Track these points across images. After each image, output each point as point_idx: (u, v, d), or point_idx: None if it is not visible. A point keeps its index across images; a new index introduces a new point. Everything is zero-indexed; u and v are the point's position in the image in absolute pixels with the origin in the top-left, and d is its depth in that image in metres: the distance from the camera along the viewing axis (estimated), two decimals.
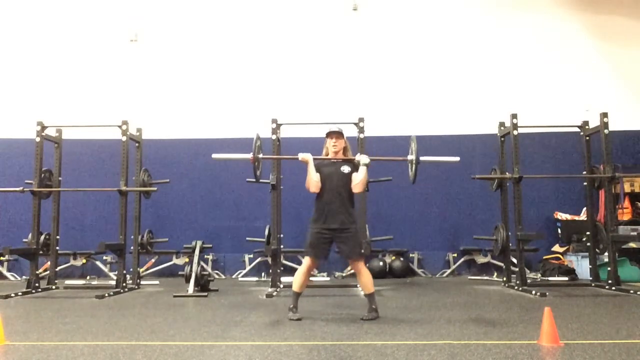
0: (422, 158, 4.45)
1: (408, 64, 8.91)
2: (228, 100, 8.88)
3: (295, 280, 4.42)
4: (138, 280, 6.91)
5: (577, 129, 6.98)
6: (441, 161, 4.90)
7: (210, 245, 7.52)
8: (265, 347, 3.32)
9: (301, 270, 4.44)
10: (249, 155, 4.46)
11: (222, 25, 9.07)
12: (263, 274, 8.04)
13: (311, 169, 4.38)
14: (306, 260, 4.43)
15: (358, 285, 6.33)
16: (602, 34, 8.92)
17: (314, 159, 4.45)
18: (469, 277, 8.01)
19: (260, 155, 4.62)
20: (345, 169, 4.41)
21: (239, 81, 8.95)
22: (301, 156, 4.45)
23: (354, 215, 4.43)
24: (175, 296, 5.88)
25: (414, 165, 4.46)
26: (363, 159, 4.35)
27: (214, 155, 4.75)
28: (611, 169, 6.43)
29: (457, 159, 4.74)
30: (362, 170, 4.34)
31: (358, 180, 4.34)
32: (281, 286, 6.37)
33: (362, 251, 4.57)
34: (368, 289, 4.37)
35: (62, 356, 3.12)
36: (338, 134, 4.45)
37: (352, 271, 7.53)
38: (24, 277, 7.88)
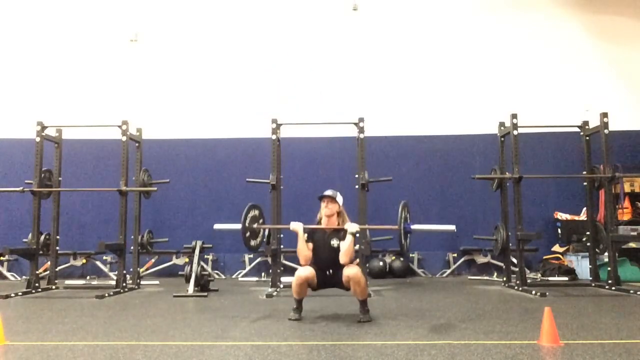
0: (413, 227, 4.23)
1: (408, 64, 8.91)
2: (228, 100, 8.88)
3: (292, 289, 4.35)
4: (138, 280, 6.91)
5: (577, 129, 6.98)
6: (435, 230, 4.58)
7: (211, 245, 7.51)
8: (265, 347, 3.32)
9: (294, 280, 4.31)
10: (238, 226, 4.39)
11: (222, 25, 9.07)
12: (263, 274, 8.04)
13: (300, 241, 4.33)
14: (300, 270, 4.33)
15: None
16: (602, 34, 8.92)
17: (306, 228, 4.38)
18: (469, 277, 8.00)
19: (255, 225, 4.49)
20: (335, 242, 4.32)
21: (239, 81, 8.95)
22: (292, 226, 4.41)
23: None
24: (175, 296, 5.88)
25: (403, 236, 4.18)
26: (351, 227, 4.25)
27: (216, 227, 4.85)
28: (611, 169, 6.43)
29: (453, 228, 4.46)
30: (349, 239, 4.22)
31: (343, 250, 4.22)
32: (281, 286, 6.37)
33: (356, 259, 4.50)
34: (363, 296, 4.28)
35: (62, 356, 3.12)
36: (330, 198, 4.38)
37: None
38: (24, 277, 7.89)
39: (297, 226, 4.37)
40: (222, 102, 8.89)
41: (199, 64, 9.01)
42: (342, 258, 4.24)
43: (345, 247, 4.23)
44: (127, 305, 5.34)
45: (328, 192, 4.42)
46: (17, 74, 9.04)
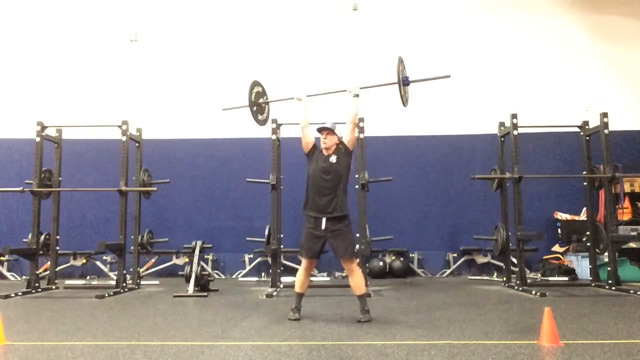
0: (411, 79, 4.62)
1: (408, 64, 8.87)
2: (228, 100, 8.81)
3: (295, 281, 4.49)
4: (138, 280, 6.91)
5: (577, 129, 6.98)
6: (430, 79, 4.89)
7: (211, 245, 7.52)
8: (265, 347, 3.32)
9: (299, 270, 4.50)
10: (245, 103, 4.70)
11: (222, 25, 9.07)
12: (263, 274, 8.04)
13: (303, 109, 4.45)
14: (302, 261, 4.46)
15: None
16: (602, 34, 8.92)
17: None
18: (469, 277, 8.00)
19: (261, 100, 4.86)
20: (333, 158, 4.35)
21: (239, 81, 8.90)
22: (296, 96, 4.55)
23: (343, 206, 4.31)
24: (175, 296, 5.88)
25: (401, 88, 4.45)
26: (353, 89, 4.42)
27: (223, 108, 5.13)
28: (611, 169, 6.43)
29: (448, 75, 4.85)
30: (353, 102, 4.34)
31: (350, 114, 4.33)
32: (281, 286, 6.37)
33: (355, 250, 4.47)
34: (360, 290, 4.31)
35: (62, 356, 3.12)
36: (329, 130, 4.41)
37: None
38: (24, 277, 7.88)
39: (301, 95, 4.45)
40: (222, 102, 8.85)
41: (199, 64, 9.00)
42: (349, 117, 4.39)
43: (352, 109, 4.39)
44: (127, 305, 5.34)
45: (327, 125, 4.43)
46: (17, 74, 9.03)
